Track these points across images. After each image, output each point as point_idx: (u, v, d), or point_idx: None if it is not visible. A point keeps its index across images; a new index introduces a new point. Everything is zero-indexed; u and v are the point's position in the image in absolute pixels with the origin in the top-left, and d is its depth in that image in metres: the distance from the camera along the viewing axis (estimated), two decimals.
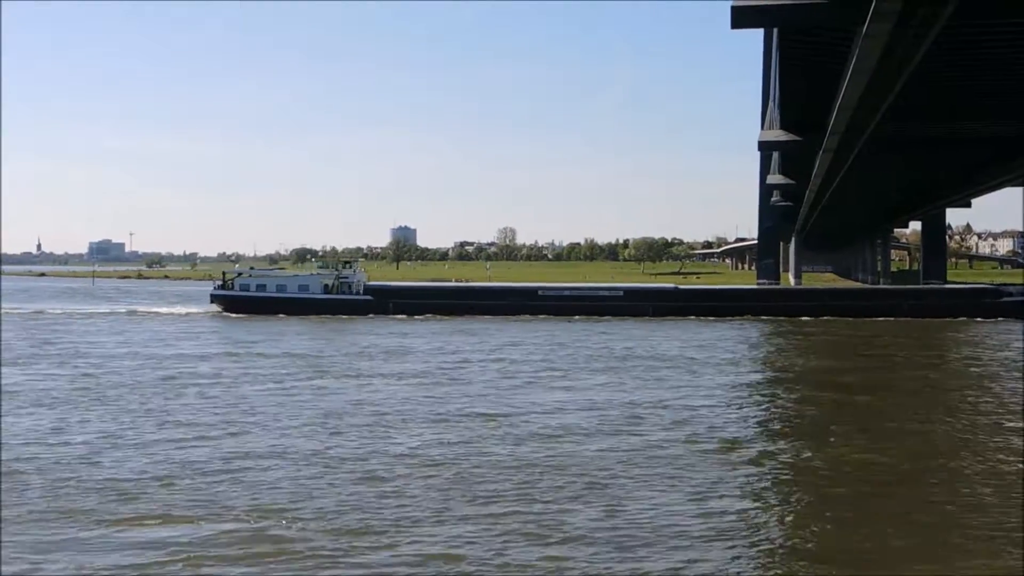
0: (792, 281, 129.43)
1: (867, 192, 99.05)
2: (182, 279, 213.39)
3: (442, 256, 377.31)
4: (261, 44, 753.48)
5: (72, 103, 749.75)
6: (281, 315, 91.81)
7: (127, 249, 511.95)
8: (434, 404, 35.67)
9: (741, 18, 32.61)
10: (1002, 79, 46.69)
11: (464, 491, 22.58)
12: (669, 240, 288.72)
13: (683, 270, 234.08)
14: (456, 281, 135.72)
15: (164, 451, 27.03)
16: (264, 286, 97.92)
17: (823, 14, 31.72)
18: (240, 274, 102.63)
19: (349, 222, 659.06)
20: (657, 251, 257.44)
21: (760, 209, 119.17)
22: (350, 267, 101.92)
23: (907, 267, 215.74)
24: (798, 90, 53.01)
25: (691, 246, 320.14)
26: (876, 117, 46.18)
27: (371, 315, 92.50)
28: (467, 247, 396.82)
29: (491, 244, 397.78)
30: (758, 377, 46.33)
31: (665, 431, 30.11)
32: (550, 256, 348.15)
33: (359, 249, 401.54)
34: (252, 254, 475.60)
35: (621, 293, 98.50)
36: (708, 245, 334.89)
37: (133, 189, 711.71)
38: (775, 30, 47.83)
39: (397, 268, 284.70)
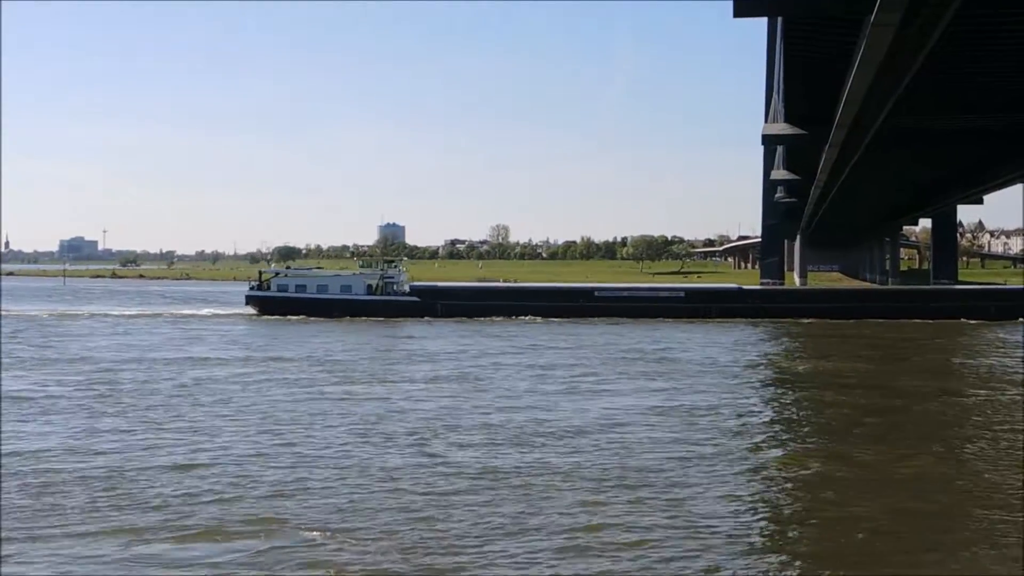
0: (797, 281, 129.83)
1: (875, 188, 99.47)
2: (209, 279, 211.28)
3: (432, 254, 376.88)
4: (242, 37, 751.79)
5: (43, 96, 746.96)
6: (322, 317, 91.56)
7: (100, 247, 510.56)
8: (520, 421, 34.18)
9: (744, 7, 32.78)
10: (1014, 69, 46.93)
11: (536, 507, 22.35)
12: (669, 238, 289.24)
13: (684, 269, 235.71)
14: (504, 281, 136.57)
15: (225, 463, 27.17)
16: (304, 287, 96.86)
17: (828, 3, 31.91)
18: (277, 274, 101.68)
19: (334, 219, 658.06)
20: (657, 250, 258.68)
21: (764, 206, 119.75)
22: (394, 266, 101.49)
23: (916, 266, 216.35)
24: (803, 82, 53.23)
25: (692, 244, 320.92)
26: (884, 110, 46.43)
27: (418, 317, 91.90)
28: (458, 245, 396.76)
29: (483, 242, 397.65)
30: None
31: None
32: (544, 255, 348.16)
33: (345, 247, 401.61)
34: (232, 252, 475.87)
35: (682, 294, 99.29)
36: (710, 243, 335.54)
37: (107, 184, 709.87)
38: (779, 19, 48.01)
39: (383, 268, 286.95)
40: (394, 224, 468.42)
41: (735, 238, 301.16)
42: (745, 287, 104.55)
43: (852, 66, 39.15)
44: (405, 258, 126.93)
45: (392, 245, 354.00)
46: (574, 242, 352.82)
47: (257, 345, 64.29)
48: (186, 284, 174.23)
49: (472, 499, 23.00)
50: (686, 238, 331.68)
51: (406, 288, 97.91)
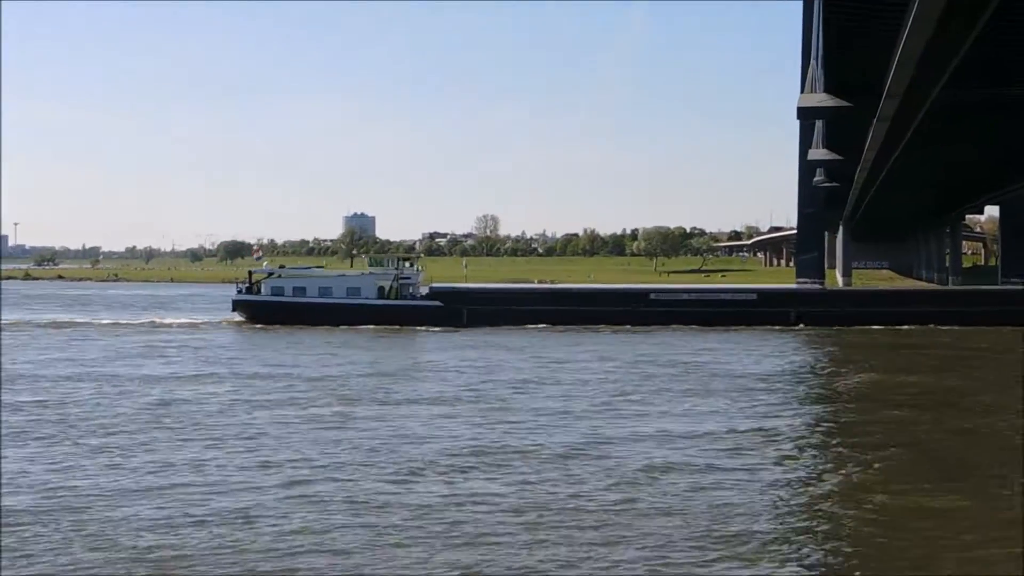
0: (840, 280, 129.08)
1: (931, 169, 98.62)
2: (191, 280, 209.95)
3: (407, 250, 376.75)
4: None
5: None
6: (325, 326, 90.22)
7: (11, 243, 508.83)
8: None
9: None
10: None
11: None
12: (688, 230, 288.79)
13: (705, 267, 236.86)
14: (540, 283, 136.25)
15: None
16: (303, 289, 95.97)
17: None
18: (271, 274, 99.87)
19: (291, 210, 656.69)
20: (673, 244, 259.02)
21: (800, 192, 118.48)
22: (411, 264, 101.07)
23: (981, 262, 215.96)
24: (846, 44, 52.40)
25: (715, 237, 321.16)
26: (944, 75, 45.53)
27: (440, 326, 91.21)
28: (438, 239, 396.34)
29: (468, 236, 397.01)
30: None
31: None
32: (540, 251, 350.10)
33: (304, 242, 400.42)
34: (170, 248, 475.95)
35: (754, 296, 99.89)
36: (736, 236, 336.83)
37: (17, 170, 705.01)
38: None
39: (351, 265, 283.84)
40: (362, 215, 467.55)
41: (766, 230, 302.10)
42: (831, 287, 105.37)
43: (905, 24, 38.25)
44: (422, 255, 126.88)
45: (360, 240, 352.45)
46: (575, 235, 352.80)
47: (240, 360, 63.32)
48: (210, 287, 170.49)
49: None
50: (708, 230, 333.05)
51: (424, 290, 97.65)
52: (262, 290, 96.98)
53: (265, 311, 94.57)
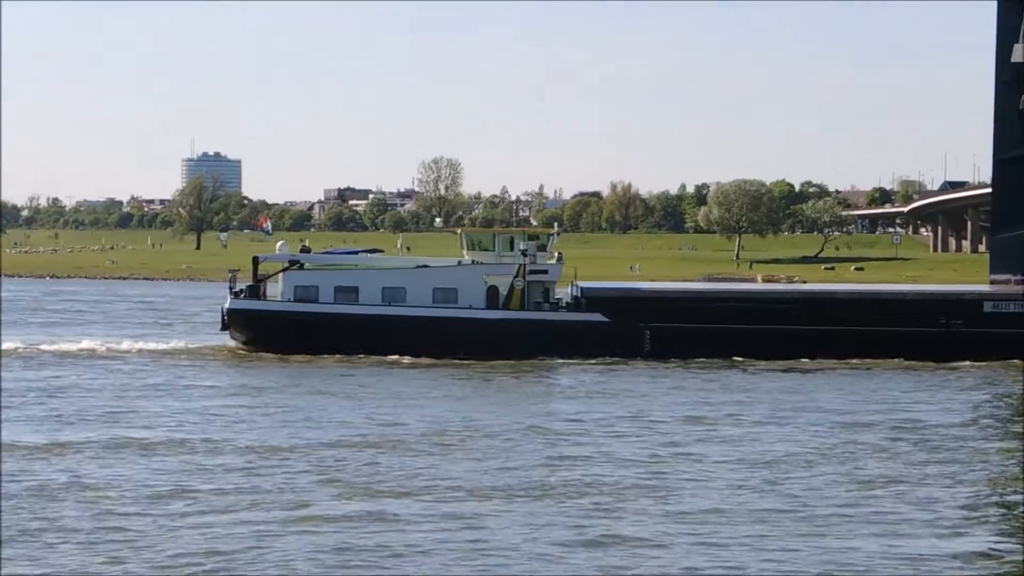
0: None
1: None
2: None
3: (299, 220, 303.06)
4: None
5: None
6: (392, 355, 62.57)
7: None
8: None
9: None
10: None
11: None
12: (796, 188, 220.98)
13: (826, 253, 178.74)
14: (765, 280, 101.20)
15: None
16: (355, 290, 65.77)
17: None
18: (292, 264, 67.72)
19: (96, 152, 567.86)
20: (771, 211, 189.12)
21: (996, 126, 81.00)
22: (544, 247, 68.71)
23: None
24: None
25: (844, 200, 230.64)
26: None
27: (607, 357, 63.11)
28: (352, 202, 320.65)
29: (405, 195, 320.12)
30: None
31: None
32: (534, 221, 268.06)
33: (116, 203, 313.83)
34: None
35: None
36: (881, 198, 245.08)
37: None
38: None
39: (198, 246, 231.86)
40: (218, 157, 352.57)
41: (936, 188, 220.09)
42: None
43: None
44: (558, 231, 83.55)
45: (215, 199, 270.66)
46: (595, 196, 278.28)
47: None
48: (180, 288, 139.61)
49: None
50: (832, 188, 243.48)
51: (565, 293, 68.78)
52: (278, 291, 66.87)
53: (283, 330, 64.31)
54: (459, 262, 69.62)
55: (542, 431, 40.92)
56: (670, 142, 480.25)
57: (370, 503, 29.65)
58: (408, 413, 44.53)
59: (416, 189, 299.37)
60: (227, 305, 66.03)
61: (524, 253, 66.56)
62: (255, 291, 67.11)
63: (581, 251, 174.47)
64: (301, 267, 67.95)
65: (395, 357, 62.26)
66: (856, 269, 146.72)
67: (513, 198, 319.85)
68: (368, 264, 71.38)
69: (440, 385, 54.51)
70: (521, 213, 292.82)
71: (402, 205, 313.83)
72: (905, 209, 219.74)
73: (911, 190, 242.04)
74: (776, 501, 30.98)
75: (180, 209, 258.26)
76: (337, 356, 62.56)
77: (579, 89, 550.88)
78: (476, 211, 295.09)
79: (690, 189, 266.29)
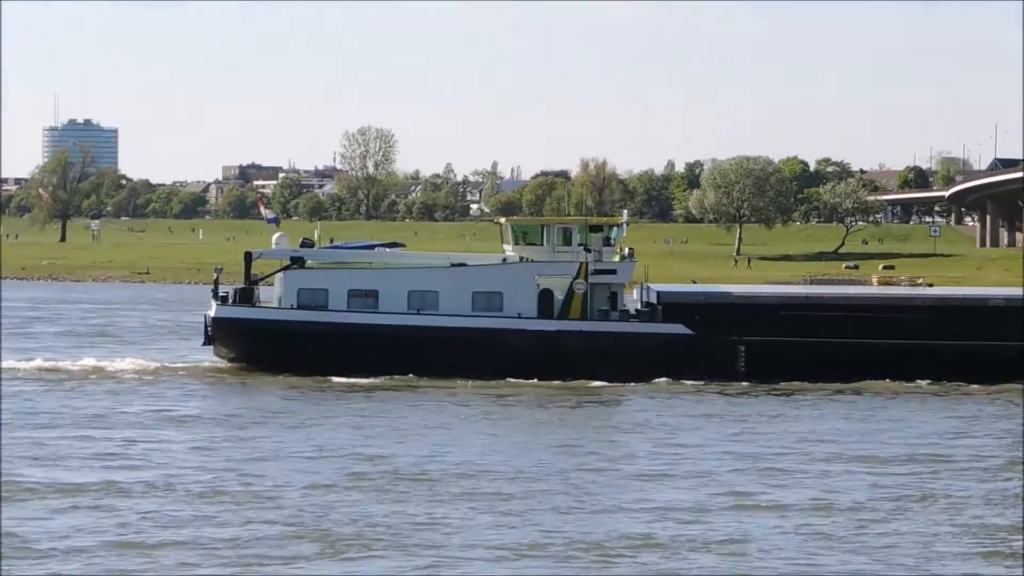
0: None
1: None
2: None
3: (190, 205, 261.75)
4: None
5: None
6: (420, 376, 54.67)
7: None
8: None
9: None
10: None
11: None
12: (810, 167, 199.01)
13: (867, 248, 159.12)
14: (893, 282, 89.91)
15: None
16: (373, 294, 56.97)
17: None
18: (294, 262, 58.62)
19: None
20: (779, 195, 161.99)
21: None
22: (610, 241, 58.90)
23: None
24: None
25: (872, 181, 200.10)
26: None
27: (701, 380, 54.89)
28: (258, 183, 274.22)
29: (324, 174, 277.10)
30: None
31: None
32: (485, 207, 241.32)
33: None
34: None
35: None
36: (918, 179, 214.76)
37: None
38: None
39: (63, 237, 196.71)
40: (88, 126, 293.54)
41: (982, 167, 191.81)
42: None
43: None
44: (626, 221, 69.99)
45: (84, 177, 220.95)
46: (563, 176, 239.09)
47: None
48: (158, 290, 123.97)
49: None
50: (855, 167, 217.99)
51: (633, 298, 60.06)
52: (276, 295, 58.12)
53: (283, 345, 55.86)
54: (504, 259, 59.79)
55: (607, 483, 34.12)
56: (655, 111, 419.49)
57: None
58: (434, 452, 38.20)
59: (338, 167, 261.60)
60: (212, 313, 57.21)
61: (586, 248, 56.79)
62: (247, 296, 58.14)
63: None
64: (303, 265, 58.87)
65: (423, 385, 53.64)
66: (885, 268, 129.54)
67: (460, 179, 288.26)
68: (390, 262, 61.85)
69: (477, 416, 47.13)
70: (469, 197, 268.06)
71: (320, 186, 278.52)
72: (946, 193, 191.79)
73: (953, 170, 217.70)
74: None
75: (41, 191, 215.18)
76: (351, 378, 54.17)
77: (543, 45, 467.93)
78: (413, 194, 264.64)
79: (680, 168, 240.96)
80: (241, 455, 37.89)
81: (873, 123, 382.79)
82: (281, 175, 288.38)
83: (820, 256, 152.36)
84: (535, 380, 53.99)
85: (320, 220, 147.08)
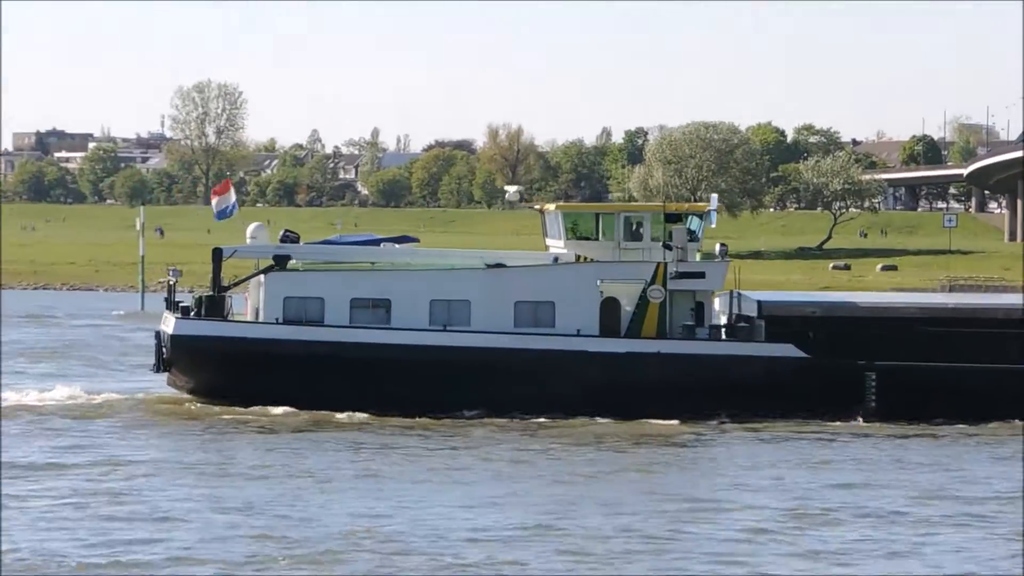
0: None
1: None
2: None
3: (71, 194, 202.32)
4: None
5: None
6: (447, 411, 46.07)
7: None
8: None
9: None
10: None
11: None
12: (787, 137, 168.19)
13: (864, 242, 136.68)
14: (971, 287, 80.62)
15: None
16: (385, 305, 47.81)
17: None
18: (277, 261, 48.15)
19: None
20: (747, 173, 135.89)
21: None
22: (690, 231, 48.13)
23: None
24: None
25: (868, 155, 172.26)
26: None
27: (817, 416, 45.86)
28: (61, 155, 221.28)
29: (150, 144, 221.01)
30: None
31: None
32: (362, 187, 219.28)
33: None
34: None
35: None
36: (928, 152, 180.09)
37: None
38: None
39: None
40: None
41: (1010, 138, 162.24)
42: None
43: None
44: (715, 208, 54.05)
45: None
46: (465, 148, 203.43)
47: None
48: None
49: None
50: (845, 137, 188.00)
51: (722, 307, 49.11)
52: (252, 306, 47.58)
53: (264, 369, 45.62)
54: (555, 259, 49.19)
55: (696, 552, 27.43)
56: (584, 63, 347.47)
57: None
58: (459, 519, 30.71)
59: (168, 134, 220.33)
60: (168, 330, 46.53)
61: (666, 244, 46.38)
62: (216, 306, 47.28)
63: (444, 237, 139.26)
64: (284, 265, 47.78)
65: (448, 425, 44.50)
66: (883, 269, 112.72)
67: (329, 150, 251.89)
68: (404, 263, 50.97)
69: (521, 465, 38.12)
70: (342, 174, 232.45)
71: (144, 160, 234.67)
72: (965, 171, 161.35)
73: (974, 140, 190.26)
74: None
75: None
76: (355, 413, 45.00)
77: None
78: (268, 170, 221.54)
79: (618, 138, 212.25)
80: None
81: (869, 78, 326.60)
82: (91, 145, 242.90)
83: (800, 253, 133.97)
84: (597, 418, 44.63)
85: (143, 205, 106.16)
